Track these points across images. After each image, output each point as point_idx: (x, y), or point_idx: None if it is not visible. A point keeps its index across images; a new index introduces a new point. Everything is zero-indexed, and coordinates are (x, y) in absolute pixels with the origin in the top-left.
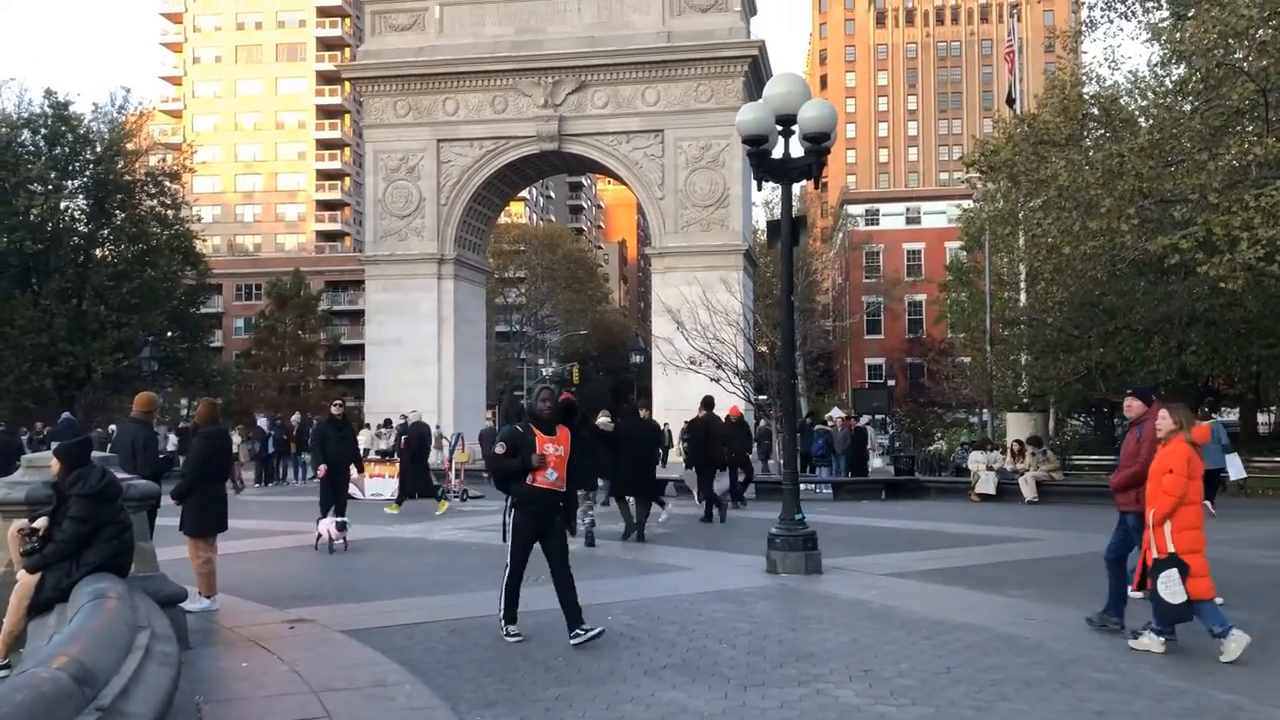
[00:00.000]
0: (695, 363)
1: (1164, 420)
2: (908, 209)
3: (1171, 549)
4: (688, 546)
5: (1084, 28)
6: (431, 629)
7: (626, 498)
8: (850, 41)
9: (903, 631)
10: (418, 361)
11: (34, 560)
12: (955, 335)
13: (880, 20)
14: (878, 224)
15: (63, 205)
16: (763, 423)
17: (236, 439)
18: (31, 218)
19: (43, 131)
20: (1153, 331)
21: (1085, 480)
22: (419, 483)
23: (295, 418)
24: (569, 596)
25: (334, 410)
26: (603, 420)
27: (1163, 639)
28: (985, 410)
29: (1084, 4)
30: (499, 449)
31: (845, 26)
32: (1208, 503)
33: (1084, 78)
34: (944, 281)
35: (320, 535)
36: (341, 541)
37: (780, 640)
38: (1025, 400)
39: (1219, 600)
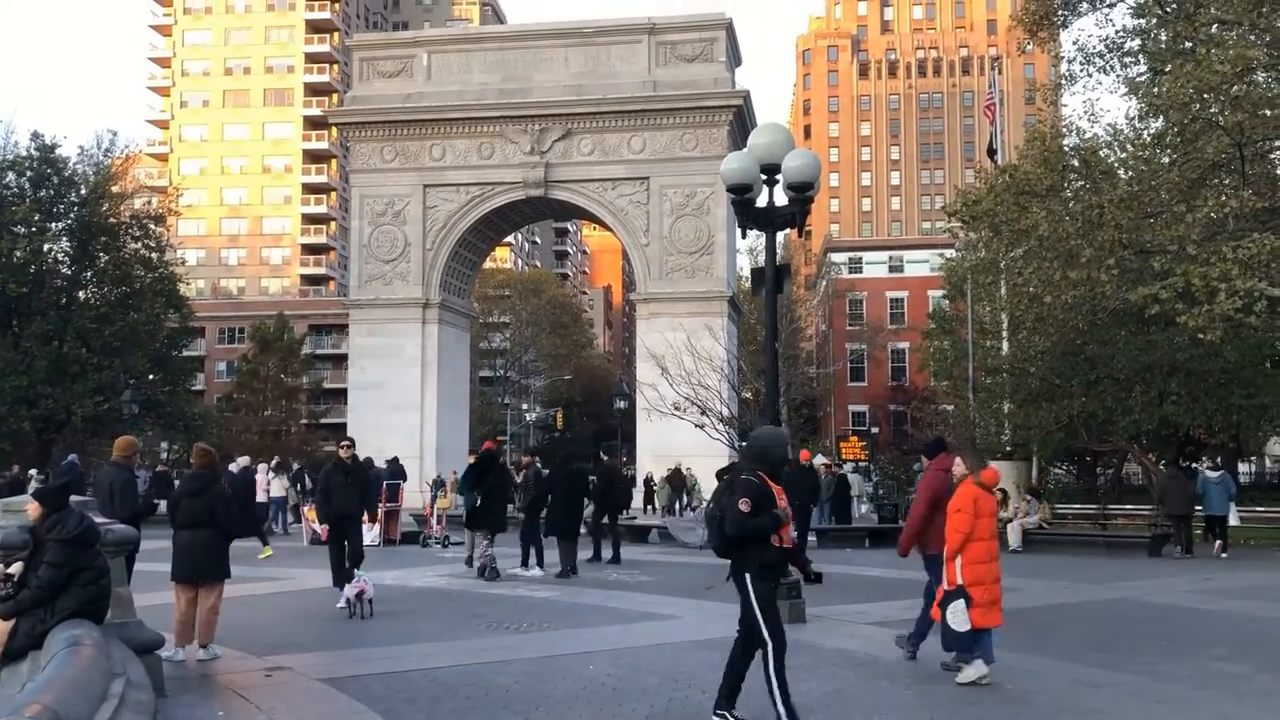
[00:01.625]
0: (679, 409)
1: (957, 466)
2: (890, 257)
3: (960, 581)
4: (672, 595)
5: (1064, 81)
6: (411, 678)
7: (565, 538)
8: (834, 92)
9: (886, 681)
10: (400, 406)
11: (8, 606)
12: (938, 383)
13: (863, 72)
14: (861, 272)
15: (46, 248)
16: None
17: (266, 479)
18: (15, 260)
19: (28, 174)
20: (1134, 381)
21: (1069, 529)
22: (248, 525)
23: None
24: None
25: (341, 453)
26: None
27: (980, 663)
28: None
29: (1064, 58)
30: (744, 506)
31: (829, 78)
32: (1218, 543)
33: (1064, 130)
34: (927, 330)
35: (347, 599)
36: (368, 605)
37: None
38: (1008, 449)
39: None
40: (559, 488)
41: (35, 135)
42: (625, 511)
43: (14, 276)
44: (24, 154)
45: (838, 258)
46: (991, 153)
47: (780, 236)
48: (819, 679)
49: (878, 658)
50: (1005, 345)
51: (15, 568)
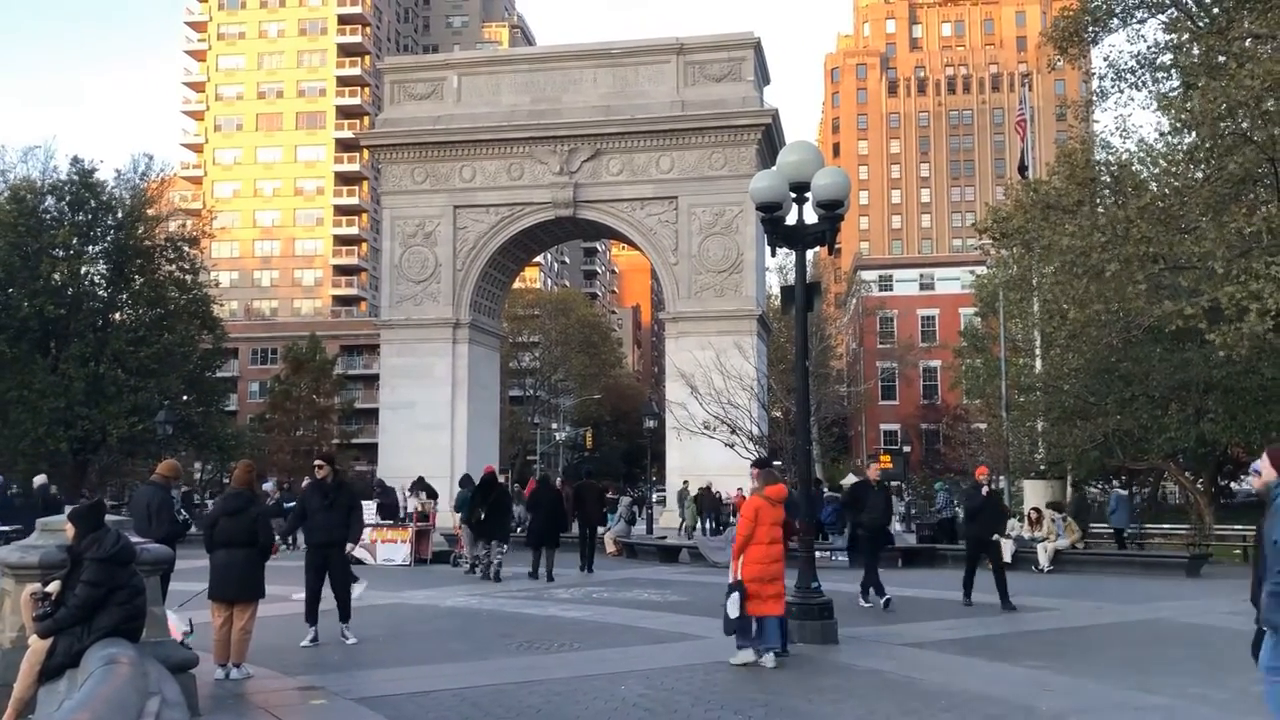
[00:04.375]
0: (709, 428)
1: (751, 480)
2: (921, 275)
3: (739, 577)
4: (704, 615)
5: (1095, 97)
6: (441, 698)
7: (541, 547)
8: (862, 110)
9: (920, 703)
10: (431, 425)
11: (46, 624)
12: (970, 401)
13: (892, 89)
14: (891, 290)
15: (84, 270)
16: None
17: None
18: (53, 282)
19: (67, 198)
20: (1169, 398)
21: (1101, 549)
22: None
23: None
24: None
25: (318, 473)
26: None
27: (748, 652)
28: (1001, 477)
29: (1095, 74)
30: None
31: (857, 95)
32: None
33: (1096, 146)
34: (958, 347)
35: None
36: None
37: (796, 712)
38: (1042, 467)
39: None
40: (540, 504)
41: (74, 160)
42: (601, 527)
43: (53, 299)
44: (63, 178)
45: (868, 275)
46: (1023, 169)
47: (810, 254)
48: (853, 700)
49: (912, 679)
50: (1038, 363)
51: (53, 586)
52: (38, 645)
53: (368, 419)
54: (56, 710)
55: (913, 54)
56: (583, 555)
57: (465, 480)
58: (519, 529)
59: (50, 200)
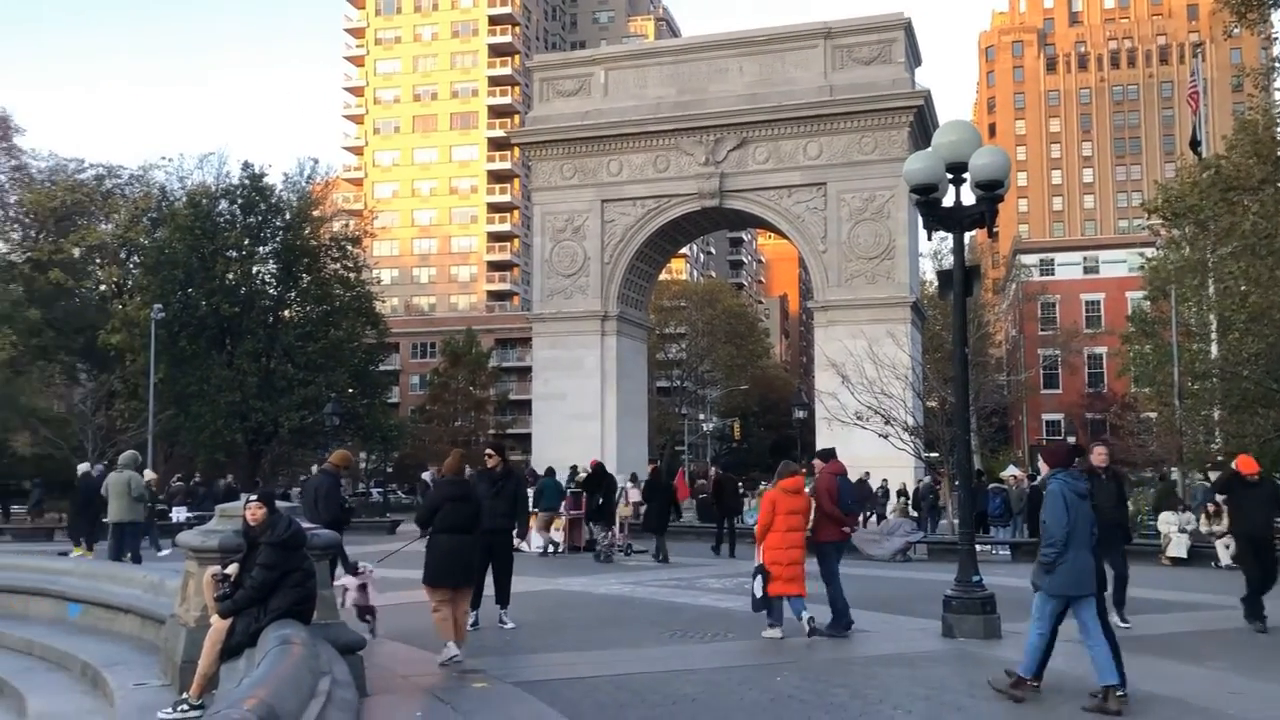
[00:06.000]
0: (861, 418)
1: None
2: (1085, 258)
3: (760, 561)
4: (860, 608)
5: (1276, 64)
6: (598, 683)
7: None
8: (1019, 88)
9: (1085, 698)
10: (581, 416)
11: (226, 605)
12: (1139, 389)
13: (1051, 66)
14: (1053, 274)
15: (255, 270)
16: (927, 479)
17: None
18: (228, 282)
19: (239, 201)
20: None
21: None
22: (88, 529)
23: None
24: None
25: (489, 463)
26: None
27: (775, 629)
28: (1175, 469)
29: (1276, 39)
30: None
31: (1014, 73)
32: None
33: (1277, 118)
34: (1126, 333)
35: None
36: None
37: (959, 708)
38: (1219, 458)
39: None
40: (655, 493)
41: (245, 165)
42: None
43: (228, 298)
44: (235, 183)
45: (1028, 259)
46: (1195, 145)
47: (967, 238)
48: (1035, 704)
49: (1080, 677)
50: (1214, 348)
51: (231, 569)
52: (219, 625)
53: (522, 410)
54: (237, 687)
55: (1073, 28)
56: (719, 540)
57: (549, 472)
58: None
59: (224, 204)
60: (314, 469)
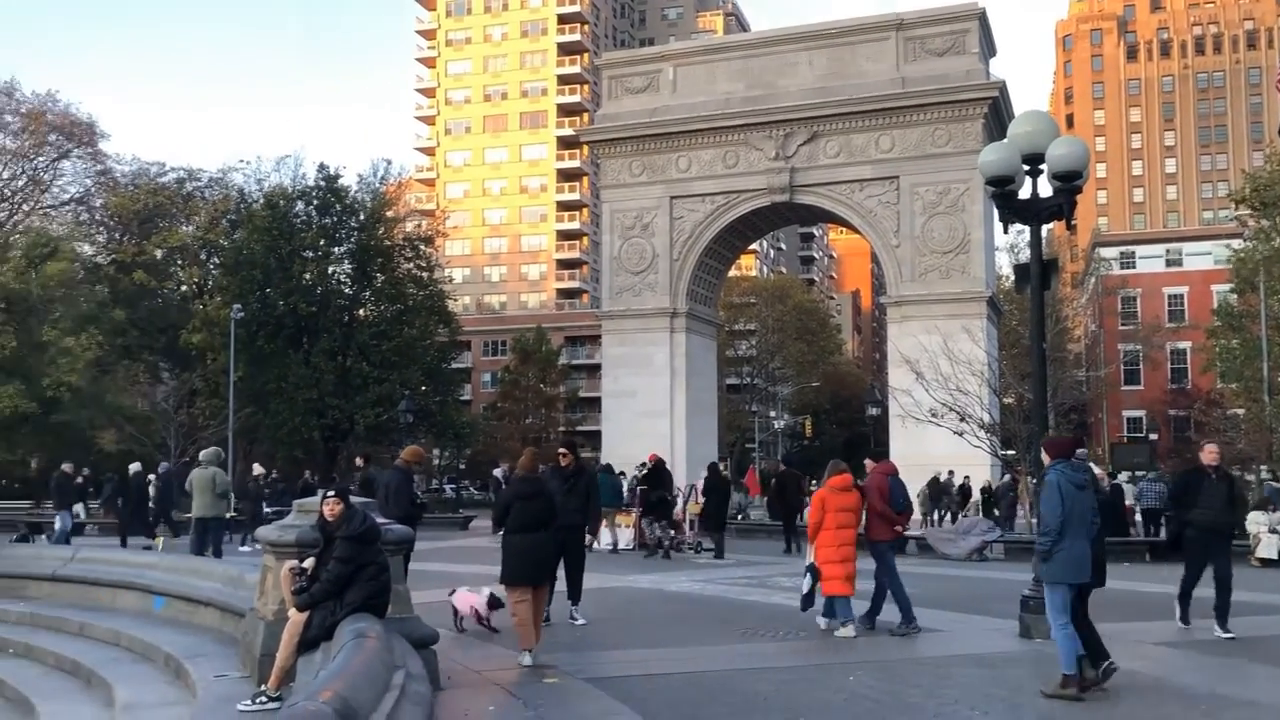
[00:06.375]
0: (936, 415)
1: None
2: (1168, 250)
3: (811, 561)
4: (935, 607)
5: None
6: (669, 681)
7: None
8: (1098, 77)
9: (1178, 706)
10: (651, 413)
11: (303, 598)
12: (1226, 385)
13: (1131, 54)
14: (1134, 267)
15: (330, 270)
16: (1005, 478)
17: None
18: (305, 282)
19: (315, 202)
20: None
21: None
22: (140, 526)
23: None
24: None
25: (561, 461)
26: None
27: (849, 626)
28: (1264, 467)
29: None
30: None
31: (1092, 62)
32: None
33: None
34: (1211, 327)
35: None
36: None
37: (1037, 711)
38: None
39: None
40: (713, 490)
41: (321, 167)
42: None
43: (304, 298)
44: (311, 184)
45: (1107, 253)
46: None
47: (1044, 231)
48: (1100, 701)
49: (1164, 680)
50: None
51: (308, 562)
52: (296, 618)
53: (591, 407)
54: (313, 679)
55: (1154, 15)
56: (788, 538)
57: (606, 469)
58: (738, 516)
59: (300, 205)
60: (358, 462)
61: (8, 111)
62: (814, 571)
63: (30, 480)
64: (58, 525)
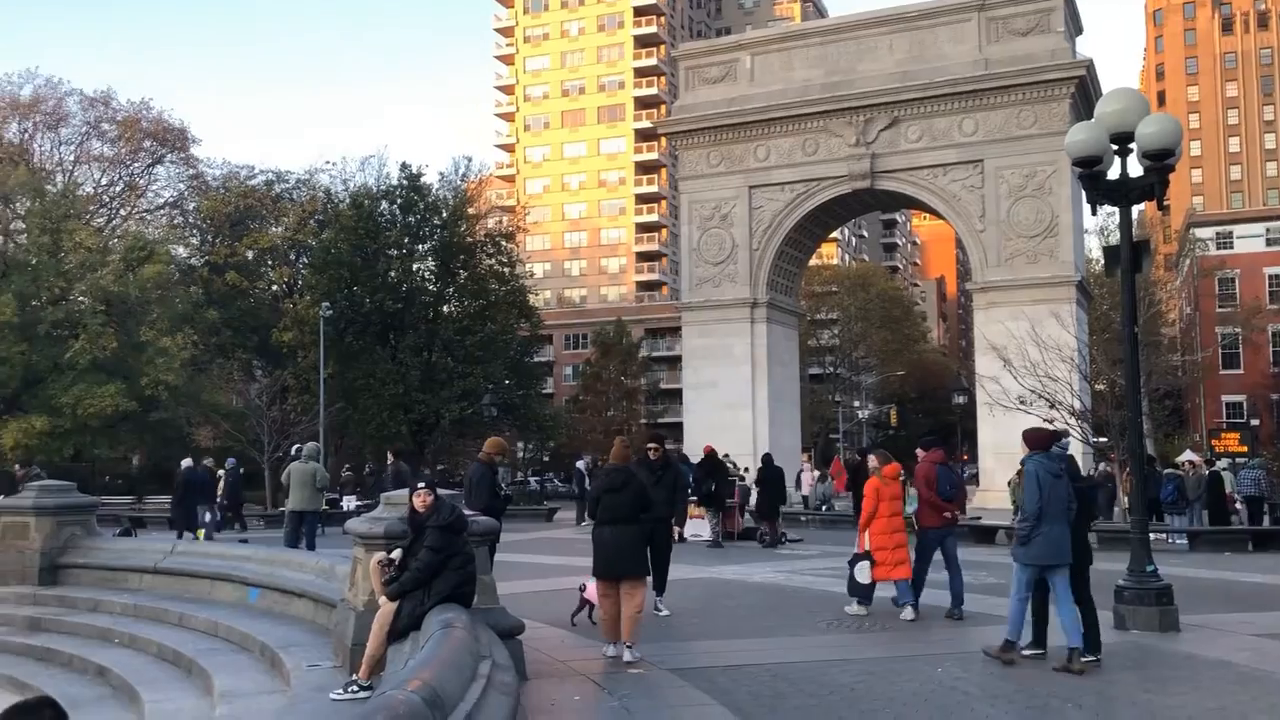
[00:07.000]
0: (1025, 402)
1: (870, 462)
2: (1268, 229)
3: (867, 548)
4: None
5: None
6: (753, 672)
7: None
8: (1191, 52)
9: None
10: (732, 405)
11: (393, 588)
12: None
13: (1227, 27)
14: (1231, 247)
15: (415, 267)
16: (1102, 466)
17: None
18: (390, 279)
19: (398, 201)
20: None
21: None
22: (186, 520)
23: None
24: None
25: (651, 453)
26: None
27: (862, 606)
28: None
29: None
30: None
31: (1185, 37)
32: None
33: None
34: None
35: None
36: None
37: (1133, 703)
38: None
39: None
40: (768, 480)
41: (404, 166)
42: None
43: (390, 295)
44: (394, 183)
45: (1203, 233)
46: None
47: (1135, 212)
48: (1199, 693)
49: (1270, 673)
50: None
51: (396, 553)
52: (386, 608)
53: (672, 399)
54: (402, 668)
55: None
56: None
57: (681, 459)
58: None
59: (384, 205)
60: (389, 456)
61: (105, 120)
62: (870, 559)
63: (131, 476)
64: (206, 518)
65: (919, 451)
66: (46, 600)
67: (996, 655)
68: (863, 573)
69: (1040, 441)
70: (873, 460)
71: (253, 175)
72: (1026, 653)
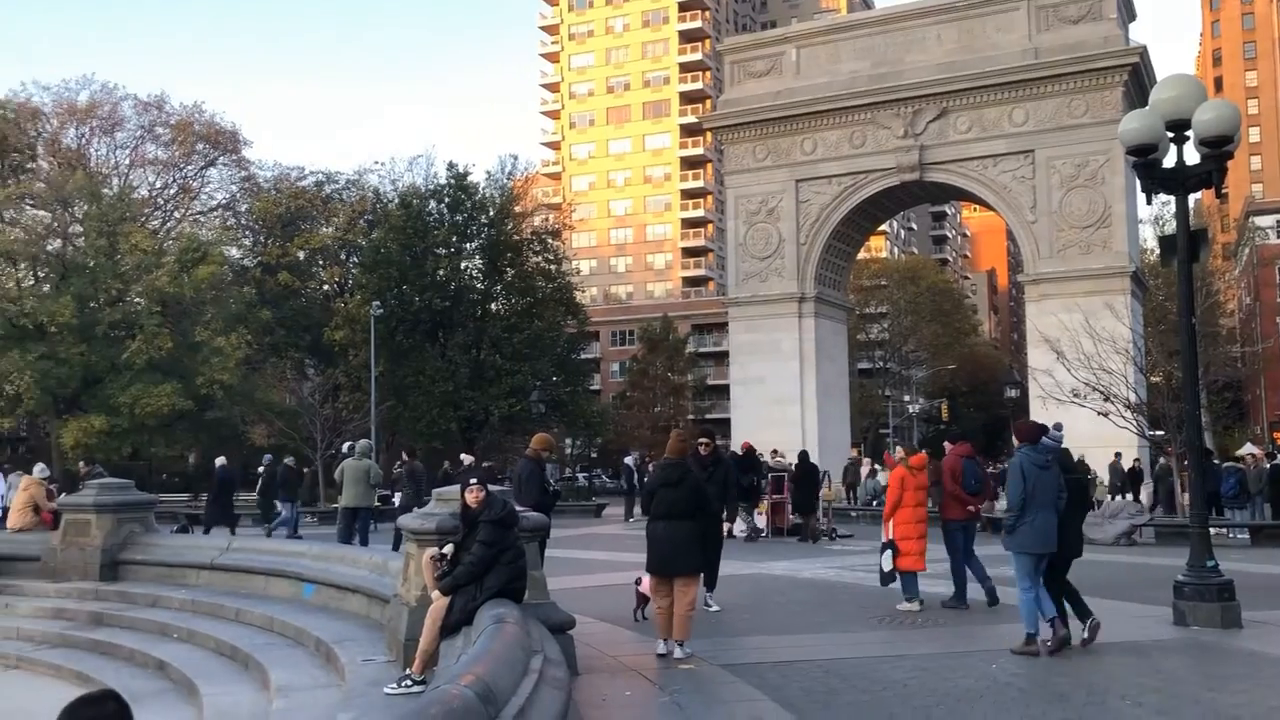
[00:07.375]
0: (1079, 395)
1: (897, 452)
2: None
3: (890, 537)
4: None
5: None
6: (805, 668)
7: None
8: (1249, 37)
9: None
10: (780, 400)
11: (446, 583)
12: None
13: None
14: None
15: (463, 266)
16: (1161, 460)
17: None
18: (438, 278)
19: (446, 200)
20: None
21: None
22: (222, 517)
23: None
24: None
25: (702, 450)
26: None
27: (915, 602)
28: None
29: None
30: None
31: (1242, 21)
32: None
33: None
34: None
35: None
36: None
37: (1196, 700)
38: None
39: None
40: (803, 476)
41: (450, 165)
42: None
43: (438, 293)
44: (442, 183)
45: (1263, 221)
46: None
47: (1191, 200)
48: (1265, 691)
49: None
50: None
51: (448, 549)
52: (439, 603)
53: (719, 395)
54: (455, 663)
55: None
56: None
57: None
58: (873, 501)
59: (432, 204)
60: (404, 455)
61: (159, 124)
62: (894, 548)
63: (188, 474)
64: (284, 514)
65: (946, 445)
66: (108, 596)
67: (1022, 651)
68: (886, 562)
69: (1030, 434)
70: (899, 450)
71: (303, 176)
72: (1074, 642)
